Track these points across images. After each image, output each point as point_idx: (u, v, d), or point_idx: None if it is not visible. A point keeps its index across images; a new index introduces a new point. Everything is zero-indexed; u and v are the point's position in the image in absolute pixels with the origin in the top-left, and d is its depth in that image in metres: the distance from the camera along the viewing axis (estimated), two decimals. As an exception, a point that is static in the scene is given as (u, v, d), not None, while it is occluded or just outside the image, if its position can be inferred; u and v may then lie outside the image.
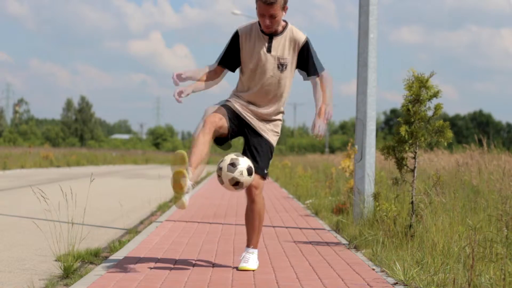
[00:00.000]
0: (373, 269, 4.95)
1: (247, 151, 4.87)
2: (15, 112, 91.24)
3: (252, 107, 4.88)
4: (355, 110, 7.50)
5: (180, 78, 4.83)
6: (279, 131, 4.99)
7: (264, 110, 4.88)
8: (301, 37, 4.80)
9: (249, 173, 4.60)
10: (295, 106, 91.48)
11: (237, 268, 4.90)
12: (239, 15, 35.62)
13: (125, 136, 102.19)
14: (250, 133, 4.90)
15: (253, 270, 4.84)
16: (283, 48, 4.80)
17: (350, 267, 5.03)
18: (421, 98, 6.10)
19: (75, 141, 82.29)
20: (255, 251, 4.97)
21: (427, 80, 6.08)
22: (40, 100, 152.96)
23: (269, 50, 4.80)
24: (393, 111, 77.99)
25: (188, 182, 4.48)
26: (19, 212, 9.09)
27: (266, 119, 4.92)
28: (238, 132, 4.92)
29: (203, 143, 4.69)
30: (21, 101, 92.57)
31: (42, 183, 15.44)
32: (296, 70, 4.93)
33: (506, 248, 4.97)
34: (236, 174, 4.58)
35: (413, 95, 6.12)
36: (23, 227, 7.60)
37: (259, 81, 4.84)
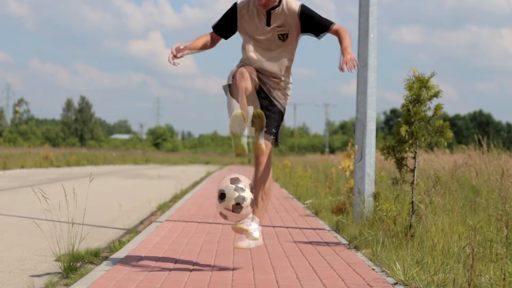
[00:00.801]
0: (373, 269, 4.95)
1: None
2: (15, 112, 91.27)
3: (261, 72, 4.97)
4: (355, 110, 7.50)
5: (179, 50, 4.94)
6: (289, 94, 5.07)
7: (272, 76, 4.97)
8: (295, 5, 4.89)
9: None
10: (295, 106, 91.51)
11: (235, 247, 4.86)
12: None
13: (125, 136, 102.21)
14: (262, 94, 4.98)
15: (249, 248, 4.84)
16: (280, 20, 4.89)
17: (350, 267, 5.03)
18: (421, 98, 6.10)
19: (75, 141, 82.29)
20: (257, 221, 4.85)
21: (427, 80, 6.09)
22: (40, 100, 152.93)
23: (268, 23, 4.91)
24: (393, 111, 78.00)
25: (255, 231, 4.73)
26: (19, 212, 9.09)
27: (276, 87, 4.99)
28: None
29: (245, 88, 4.77)
30: (21, 101, 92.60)
31: (42, 183, 15.44)
32: (305, 35, 4.99)
33: (506, 248, 4.97)
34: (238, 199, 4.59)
35: (414, 95, 6.12)
36: (23, 227, 7.60)
37: (262, 54, 4.95)
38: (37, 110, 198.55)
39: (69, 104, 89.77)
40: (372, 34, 7.41)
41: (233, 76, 4.86)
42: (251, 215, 4.78)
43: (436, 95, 6.10)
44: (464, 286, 4.10)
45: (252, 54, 4.96)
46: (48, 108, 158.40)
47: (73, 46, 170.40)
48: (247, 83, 4.78)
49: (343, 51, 4.78)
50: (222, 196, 4.58)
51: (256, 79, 4.89)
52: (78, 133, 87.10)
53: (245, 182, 4.62)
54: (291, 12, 4.89)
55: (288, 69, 5.03)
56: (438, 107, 6.09)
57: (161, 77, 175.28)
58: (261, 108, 4.94)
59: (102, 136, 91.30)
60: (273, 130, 4.97)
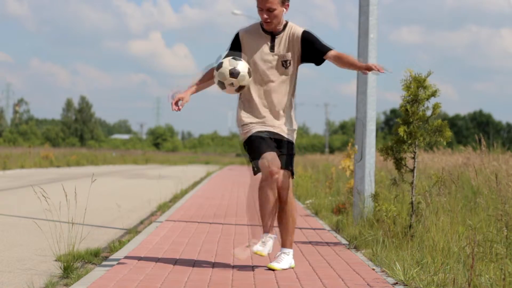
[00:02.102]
0: (373, 269, 4.95)
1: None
2: (15, 112, 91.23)
3: (264, 115, 4.90)
4: (355, 110, 7.50)
5: (178, 103, 4.88)
6: (295, 127, 5.05)
7: (275, 110, 4.92)
8: (299, 30, 4.84)
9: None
10: (295, 106, 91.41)
11: (266, 267, 4.93)
12: (239, 15, 35.61)
13: (125, 136, 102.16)
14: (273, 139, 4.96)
15: (279, 270, 4.86)
16: (284, 46, 4.84)
17: (350, 267, 5.03)
18: (419, 98, 6.11)
19: (75, 141, 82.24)
20: (291, 251, 5.02)
21: (424, 80, 6.09)
22: (40, 100, 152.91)
23: (272, 49, 4.85)
24: (393, 111, 77.98)
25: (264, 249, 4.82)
26: (19, 212, 9.09)
27: (281, 118, 4.94)
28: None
29: (272, 201, 4.84)
30: (21, 101, 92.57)
31: (42, 183, 15.44)
32: (306, 64, 4.97)
33: (506, 248, 4.97)
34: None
35: (411, 95, 6.12)
36: (23, 227, 7.60)
37: (263, 79, 4.88)
38: (37, 110, 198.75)
39: (69, 104, 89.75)
40: (372, 34, 7.41)
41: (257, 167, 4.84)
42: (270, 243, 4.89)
43: (433, 94, 6.10)
44: (464, 286, 4.10)
45: (252, 85, 4.88)
46: (48, 108, 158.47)
47: (73, 46, 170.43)
48: (274, 196, 4.84)
49: (360, 67, 4.74)
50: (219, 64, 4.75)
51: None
52: (78, 133, 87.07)
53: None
54: (294, 37, 4.82)
55: (290, 103, 4.95)
56: (436, 106, 6.09)
57: (161, 77, 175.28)
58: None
59: (102, 136, 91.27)
60: (290, 167, 4.96)
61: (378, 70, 4.64)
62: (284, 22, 4.87)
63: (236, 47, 4.91)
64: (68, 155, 37.34)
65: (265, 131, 4.87)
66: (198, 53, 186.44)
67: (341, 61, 4.79)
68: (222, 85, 4.76)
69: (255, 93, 4.89)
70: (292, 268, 4.98)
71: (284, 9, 4.78)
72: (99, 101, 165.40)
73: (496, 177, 6.81)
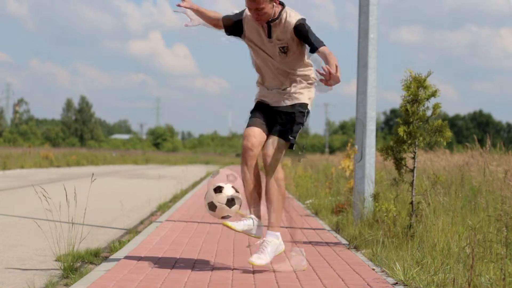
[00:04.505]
0: (373, 269, 4.95)
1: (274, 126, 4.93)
2: (15, 112, 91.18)
3: (273, 93, 4.94)
4: (355, 110, 7.50)
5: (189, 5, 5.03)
6: (308, 97, 4.95)
7: (283, 87, 4.93)
8: (292, 21, 4.80)
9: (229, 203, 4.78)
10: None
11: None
12: (239, 15, 35.58)
13: (125, 136, 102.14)
14: (272, 111, 4.96)
15: (257, 265, 4.76)
16: (280, 32, 4.82)
17: (350, 267, 5.03)
18: (419, 98, 6.11)
19: (75, 141, 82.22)
20: (274, 234, 4.83)
21: (424, 80, 6.09)
22: (40, 100, 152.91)
23: (269, 35, 4.85)
24: (393, 111, 78.00)
25: (247, 225, 4.80)
26: (19, 212, 9.09)
27: (283, 97, 4.94)
28: (269, 122, 4.96)
29: (250, 180, 4.85)
30: (21, 101, 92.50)
31: (42, 183, 15.43)
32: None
33: (506, 248, 4.97)
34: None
35: (411, 95, 6.12)
36: (23, 227, 7.60)
37: (268, 65, 4.91)
38: (37, 110, 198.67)
39: (69, 104, 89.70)
40: (372, 34, 7.40)
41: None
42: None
43: (433, 94, 6.10)
44: (464, 286, 4.10)
45: (260, 69, 4.95)
46: (48, 108, 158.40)
47: (73, 46, 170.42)
48: (250, 175, 4.84)
49: (329, 63, 4.62)
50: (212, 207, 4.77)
51: (265, 133, 4.90)
52: (78, 133, 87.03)
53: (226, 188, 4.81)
54: (288, 26, 4.79)
55: (293, 79, 4.92)
56: (436, 106, 6.09)
57: (161, 77, 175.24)
58: (271, 123, 4.91)
59: (102, 136, 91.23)
60: (284, 136, 4.86)
61: (328, 75, 4.51)
62: (279, 9, 4.81)
63: (238, 21, 4.93)
64: (68, 155, 37.33)
65: (264, 104, 4.94)
66: (198, 53, 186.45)
67: (325, 60, 4.74)
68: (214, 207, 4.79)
69: (265, 74, 4.95)
70: (280, 253, 4.85)
71: (274, 4, 4.76)
72: (99, 101, 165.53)
73: (484, 173, 6.80)
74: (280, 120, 4.89)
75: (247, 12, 4.88)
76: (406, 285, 4.37)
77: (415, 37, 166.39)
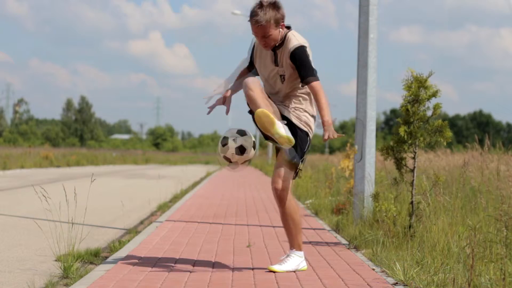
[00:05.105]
0: (373, 269, 4.95)
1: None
2: (15, 112, 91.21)
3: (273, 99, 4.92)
4: (355, 110, 7.50)
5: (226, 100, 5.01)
6: (309, 125, 4.90)
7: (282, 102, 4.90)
8: (291, 47, 4.71)
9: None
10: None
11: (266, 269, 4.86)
12: (238, 15, 35.63)
13: (125, 136, 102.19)
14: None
15: (281, 272, 4.78)
16: (282, 59, 4.77)
17: (350, 267, 5.03)
18: (420, 98, 6.11)
19: (75, 141, 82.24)
20: (297, 252, 4.90)
21: (425, 80, 6.09)
22: (40, 100, 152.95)
23: (276, 63, 4.78)
24: (393, 111, 78.01)
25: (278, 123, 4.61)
26: (19, 212, 9.09)
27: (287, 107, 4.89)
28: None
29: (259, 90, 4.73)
30: (21, 101, 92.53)
31: (42, 183, 15.44)
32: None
33: (506, 248, 4.97)
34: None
35: (412, 95, 6.12)
36: (23, 227, 7.60)
37: (272, 89, 4.87)
38: (37, 110, 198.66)
39: (69, 104, 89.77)
40: (372, 34, 7.41)
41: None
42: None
43: (434, 94, 6.10)
44: (464, 286, 4.10)
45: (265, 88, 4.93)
46: (48, 108, 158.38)
47: (73, 46, 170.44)
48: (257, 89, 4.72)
49: (324, 125, 4.65)
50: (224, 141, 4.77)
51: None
52: (78, 133, 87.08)
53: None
54: (287, 52, 4.72)
55: (294, 96, 4.86)
56: (436, 107, 6.09)
57: (161, 77, 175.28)
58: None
59: (102, 136, 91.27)
60: (294, 160, 4.78)
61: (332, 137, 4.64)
62: (284, 32, 4.74)
63: (252, 52, 4.93)
64: (68, 155, 37.33)
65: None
66: (198, 53, 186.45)
67: (314, 97, 4.72)
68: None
69: (268, 90, 4.91)
70: (302, 270, 4.86)
71: (280, 29, 4.68)
72: (99, 101, 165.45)
73: (481, 173, 6.80)
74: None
75: (256, 42, 4.84)
76: (406, 285, 4.37)
77: (415, 37, 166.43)
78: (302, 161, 4.83)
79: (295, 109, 4.84)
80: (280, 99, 4.87)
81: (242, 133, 4.80)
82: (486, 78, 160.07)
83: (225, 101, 5.03)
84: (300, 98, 4.86)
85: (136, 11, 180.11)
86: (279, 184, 4.79)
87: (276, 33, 4.67)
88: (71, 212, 5.66)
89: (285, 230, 4.93)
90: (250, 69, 5.01)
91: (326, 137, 4.66)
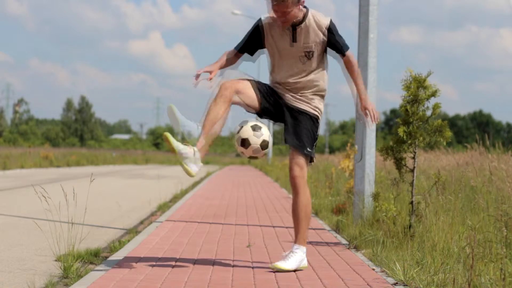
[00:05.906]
0: (373, 269, 4.95)
1: (286, 131, 4.88)
2: (15, 112, 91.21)
3: (284, 87, 4.89)
4: (355, 110, 7.49)
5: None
6: (319, 107, 4.94)
7: (297, 90, 4.88)
8: (325, 22, 4.78)
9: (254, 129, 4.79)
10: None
11: (269, 268, 4.86)
12: (238, 15, 35.64)
13: (125, 136, 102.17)
14: (286, 110, 4.89)
15: (287, 271, 4.76)
16: (306, 36, 4.77)
17: (350, 267, 5.03)
18: (419, 98, 6.11)
19: (75, 141, 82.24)
20: (302, 248, 4.87)
21: (424, 80, 6.09)
22: (40, 100, 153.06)
23: (294, 40, 4.78)
24: (393, 111, 78.01)
25: (184, 149, 4.89)
26: (19, 212, 9.09)
27: (301, 97, 4.89)
28: (274, 113, 4.90)
29: (216, 112, 4.85)
30: (21, 101, 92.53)
31: (42, 183, 15.43)
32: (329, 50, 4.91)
33: (506, 248, 4.97)
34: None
35: (411, 95, 6.12)
36: (23, 227, 7.60)
37: (288, 71, 4.85)
38: (37, 110, 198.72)
39: (69, 104, 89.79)
40: (372, 34, 7.40)
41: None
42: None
43: (433, 94, 6.10)
44: (464, 286, 4.10)
45: (277, 72, 4.88)
46: (48, 108, 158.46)
47: (73, 46, 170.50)
48: (217, 107, 4.86)
49: (361, 100, 4.84)
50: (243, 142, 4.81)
51: (256, 96, 4.82)
52: (78, 133, 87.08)
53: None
54: (318, 27, 4.75)
55: (314, 85, 4.88)
56: (436, 106, 6.09)
57: (161, 77, 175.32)
58: (287, 125, 4.87)
59: (102, 136, 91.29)
60: (308, 150, 4.83)
61: (370, 119, 4.81)
62: (303, 11, 4.76)
63: (256, 35, 4.87)
64: (68, 155, 37.32)
65: (274, 91, 4.90)
66: (198, 53, 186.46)
67: (350, 68, 4.85)
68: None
69: (281, 80, 4.88)
70: (302, 269, 4.86)
71: (300, 6, 4.70)
72: (99, 101, 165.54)
73: (491, 173, 6.81)
74: (291, 119, 4.86)
75: (265, 19, 4.83)
76: (406, 285, 4.37)
77: (415, 37, 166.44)
78: (314, 146, 4.90)
79: (306, 98, 4.88)
80: (293, 86, 4.84)
81: (244, 124, 4.83)
82: (486, 78, 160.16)
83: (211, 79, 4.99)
84: (315, 90, 4.91)
85: (136, 11, 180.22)
86: (296, 171, 4.81)
87: (296, 10, 4.69)
88: (71, 212, 5.66)
89: (294, 222, 4.89)
90: (239, 54, 4.97)
91: (369, 108, 4.87)
